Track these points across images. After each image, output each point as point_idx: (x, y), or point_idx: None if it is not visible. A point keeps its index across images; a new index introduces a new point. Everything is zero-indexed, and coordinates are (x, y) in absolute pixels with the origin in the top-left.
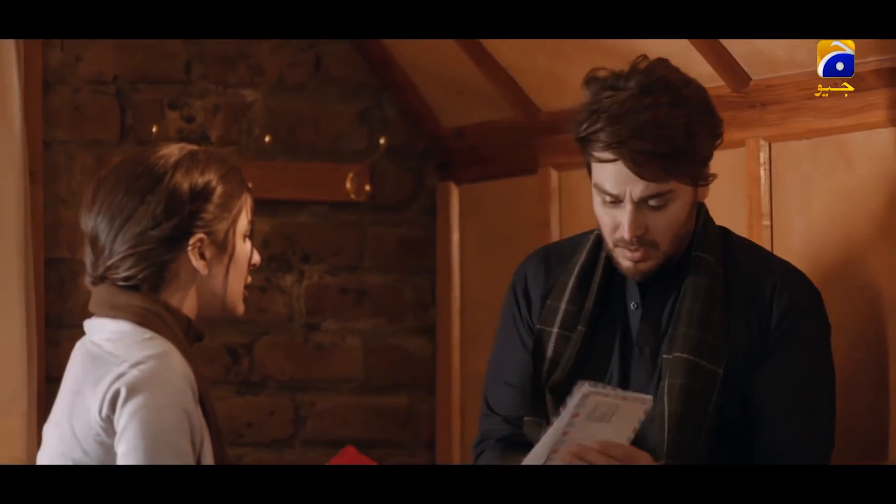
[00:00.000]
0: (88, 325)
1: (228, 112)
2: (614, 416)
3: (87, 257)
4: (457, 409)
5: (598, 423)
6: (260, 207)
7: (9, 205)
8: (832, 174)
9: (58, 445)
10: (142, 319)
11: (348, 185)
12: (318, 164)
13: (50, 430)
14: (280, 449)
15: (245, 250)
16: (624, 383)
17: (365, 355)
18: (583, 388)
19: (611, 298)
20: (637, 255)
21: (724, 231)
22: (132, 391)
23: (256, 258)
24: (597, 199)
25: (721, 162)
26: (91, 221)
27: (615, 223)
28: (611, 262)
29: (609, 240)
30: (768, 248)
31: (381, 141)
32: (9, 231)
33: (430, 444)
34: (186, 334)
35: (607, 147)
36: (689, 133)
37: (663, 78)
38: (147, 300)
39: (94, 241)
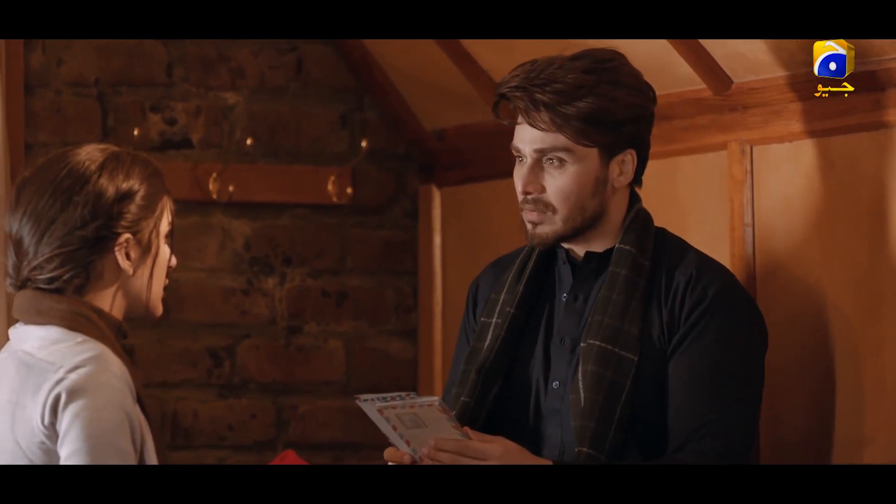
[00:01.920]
0: (14, 332)
1: (210, 115)
2: (425, 420)
3: (10, 261)
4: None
5: (417, 429)
6: (242, 210)
7: None
8: (814, 177)
9: (1, 458)
10: (71, 324)
11: (330, 187)
12: (300, 166)
13: None
14: (262, 452)
15: (166, 251)
16: (546, 371)
17: (347, 358)
18: (374, 404)
19: (545, 289)
20: (533, 215)
21: (660, 230)
22: (72, 395)
23: (173, 260)
24: (516, 166)
25: (703, 165)
26: (15, 224)
27: (518, 183)
28: (544, 252)
29: (519, 203)
30: (750, 251)
31: (363, 144)
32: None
33: None
34: (115, 335)
35: (510, 90)
36: (593, 93)
37: (596, 53)
38: (74, 303)
39: (18, 244)
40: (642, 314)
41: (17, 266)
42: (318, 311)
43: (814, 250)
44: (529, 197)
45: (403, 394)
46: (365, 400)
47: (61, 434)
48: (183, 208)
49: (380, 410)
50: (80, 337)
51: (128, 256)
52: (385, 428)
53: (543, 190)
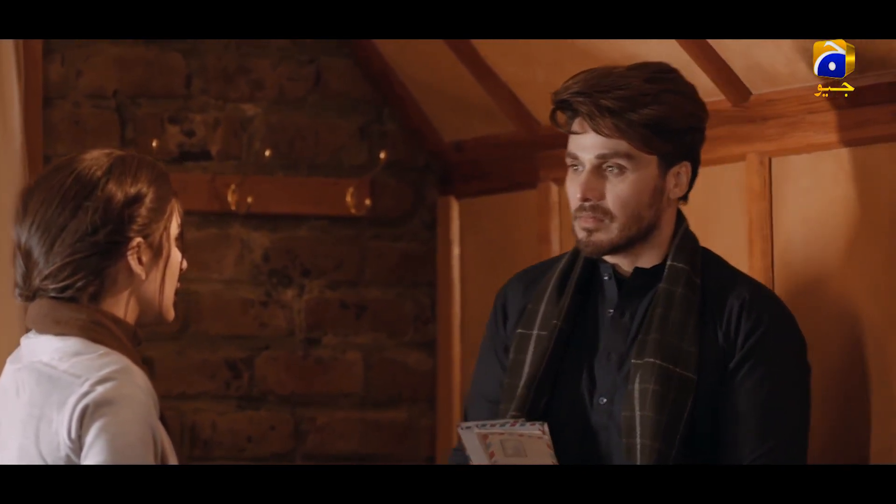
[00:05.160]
0: (27, 342)
1: (229, 126)
2: (527, 450)
3: (18, 270)
4: (457, 423)
5: (516, 458)
6: (260, 222)
7: (10, 219)
8: (832, 188)
9: None
10: (90, 334)
11: (348, 199)
12: (319, 178)
13: (9, 458)
14: (280, 463)
15: (177, 254)
16: (591, 386)
17: (365, 370)
18: (473, 430)
19: (589, 303)
20: (590, 222)
21: (704, 249)
22: (99, 407)
23: (185, 263)
24: (569, 174)
25: (721, 176)
26: (24, 234)
27: (575, 190)
28: (588, 266)
29: (573, 213)
30: (769, 263)
31: (382, 155)
32: (11, 244)
33: (431, 458)
34: (133, 343)
35: (572, 96)
36: (655, 100)
37: (656, 64)
38: (93, 313)
39: (28, 253)
40: (700, 333)
41: (27, 276)
42: (336, 322)
43: (833, 261)
44: (587, 204)
45: (509, 420)
46: (467, 427)
47: (86, 446)
48: (201, 220)
49: (483, 436)
50: (101, 349)
51: (140, 261)
52: (478, 456)
53: (603, 196)
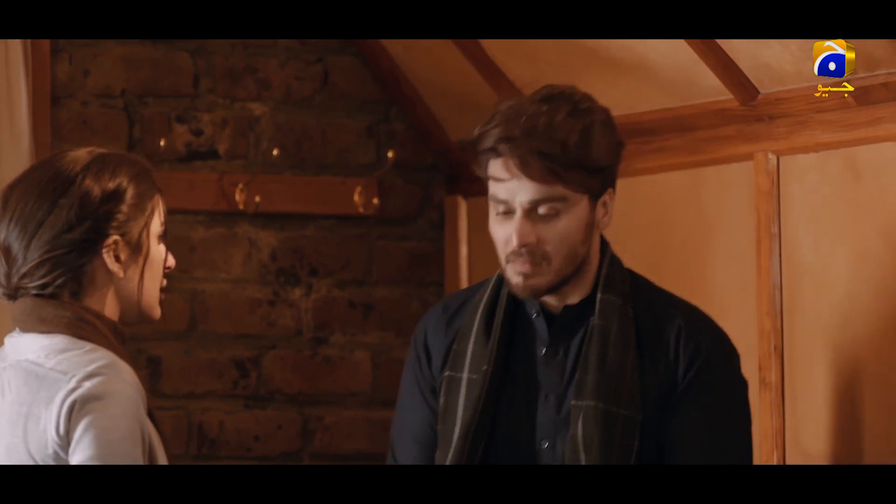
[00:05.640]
0: (11, 341)
1: (236, 126)
2: None
3: (0, 269)
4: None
5: None
6: (268, 221)
7: None
8: (840, 187)
9: None
10: (76, 331)
11: (356, 198)
12: (326, 177)
13: None
14: (287, 462)
15: (159, 252)
16: (531, 430)
17: (373, 369)
18: None
19: (518, 340)
20: (526, 267)
21: (631, 273)
22: (86, 403)
23: (171, 261)
24: (491, 215)
25: (729, 175)
26: (3, 231)
27: (507, 235)
28: (513, 301)
29: (502, 256)
30: (777, 263)
31: (389, 155)
32: None
33: None
34: (119, 340)
35: (497, 144)
36: (584, 139)
37: (565, 93)
38: (77, 310)
39: (7, 251)
40: (640, 369)
41: (8, 274)
42: (344, 322)
43: (841, 261)
44: (524, 249)
45: None
46: None
47: (74, 442)
48: (209, 219)
49: None
50: (87, 345)
51: (118, 259)
52: None
53: (539, 241)
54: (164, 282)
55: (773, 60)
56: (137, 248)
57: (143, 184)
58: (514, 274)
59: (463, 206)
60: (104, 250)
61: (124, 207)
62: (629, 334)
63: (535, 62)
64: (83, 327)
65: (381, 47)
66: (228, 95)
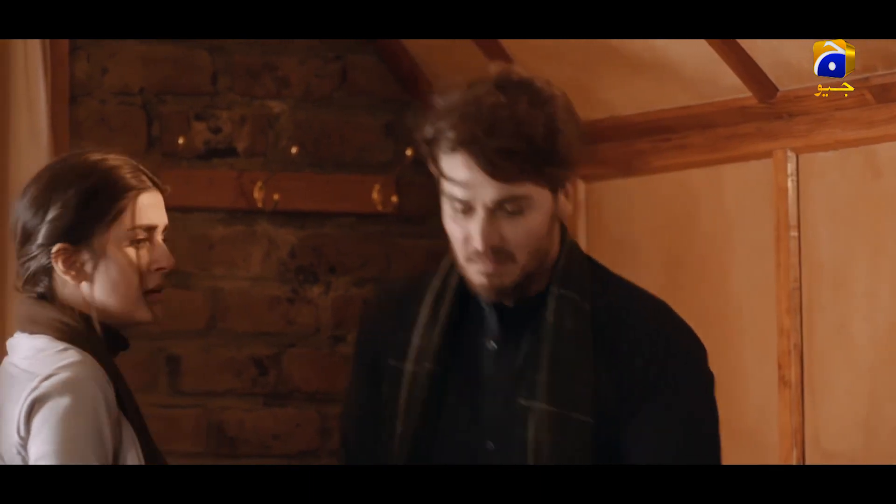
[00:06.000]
0: (11, 343)
1: (255, 123)
2: None
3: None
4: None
5: None
6: (287, 219)
7: None
8: (859, 185)
9: None
10: (58, 333)
11: (375, 196)
12: (345, 175)
13: None
14: (306, 460)
15: (125, 256)
16: (477, 429)
17: None
18: None
19: (466, 333)
20: (491, 268)
21: (591, 262)
22: (42, 401)
23: (165, 261)
24: (447, 210)
25: (749, 173)
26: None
27: (467, 234)
28: (462, 291)
29: (461, 255)
30: (796, 260)
31: (408, 152)
32: None
33: None
34: (108, 341)
35: (458, 145)
36: (549, 131)
37: (521, 79)
38: (63, 311)
39: (17, 252)
40: (595, 369)
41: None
42: None
43: (860, 258)
44: (489, 250)
45: None
46: None
47: (30, 438)
48: (228, 217)
49: None
50: (62, 345)
51: (71, 265)
52: None
53: (504, 240)
54: (152, 283)
55: (793, 58)
56: (96, 254)
57: (107, 189)
58: (477, 274)
59: None
60: (52, 257)
61: (72, 214)
62: (585, 334)
63: (556, 62)
64: (63, 328)
65: (401, 46)
66: (247, 93)
